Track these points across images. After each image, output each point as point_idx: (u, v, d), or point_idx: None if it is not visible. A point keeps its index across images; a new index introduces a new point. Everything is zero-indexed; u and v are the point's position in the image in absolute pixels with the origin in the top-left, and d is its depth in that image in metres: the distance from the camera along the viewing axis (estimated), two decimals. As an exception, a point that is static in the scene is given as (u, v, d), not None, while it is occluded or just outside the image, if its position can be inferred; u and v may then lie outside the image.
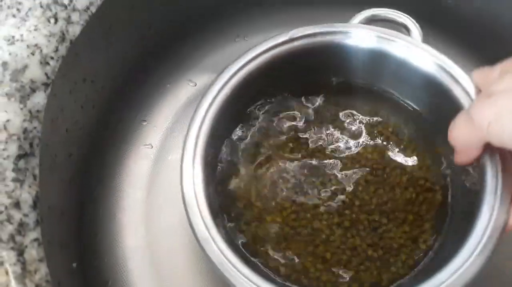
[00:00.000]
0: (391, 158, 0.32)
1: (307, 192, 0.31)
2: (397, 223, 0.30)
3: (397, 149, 0.32)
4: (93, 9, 0.28)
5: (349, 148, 0.32)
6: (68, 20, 0.27)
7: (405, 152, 0.32)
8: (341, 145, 0.32)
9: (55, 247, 0.26)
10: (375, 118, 0.33)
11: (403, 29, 0.31)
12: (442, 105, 0.29)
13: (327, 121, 0.33)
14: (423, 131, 0.32)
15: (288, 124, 0.33)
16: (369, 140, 0.32)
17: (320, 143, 0.32)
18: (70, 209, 0.31)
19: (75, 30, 0.27)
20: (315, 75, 0.32)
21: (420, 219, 0.30)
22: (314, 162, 0.32)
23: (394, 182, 0.31)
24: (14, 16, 0.26)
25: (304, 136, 0.32)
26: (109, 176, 0.36)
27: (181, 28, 0.39)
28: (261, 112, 0.33)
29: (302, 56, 0.30)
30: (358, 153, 0.32)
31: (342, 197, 0.31)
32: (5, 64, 0.24)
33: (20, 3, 0.26)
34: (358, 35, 0.30)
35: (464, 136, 0.23)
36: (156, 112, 0.40)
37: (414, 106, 0.32)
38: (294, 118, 0.33)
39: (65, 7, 0.27)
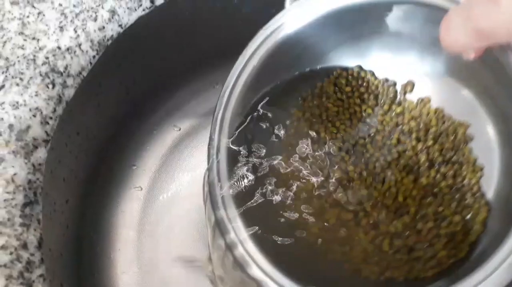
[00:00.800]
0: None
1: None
2: None
3: None
4: (84, 73, 0.33)
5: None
6: (64, 85, 0.31)
7: None
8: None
9: (57, 284, 0.29)
10: None
11: None
12: None
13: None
14: None
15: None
16: None
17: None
18: (68, 250, 0.34)
19: (70, 93, 0.32)
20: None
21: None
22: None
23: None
24: (17, 84, 0.30)
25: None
26: (103, 218, 0.39)
27: (164, 80, 0.44)
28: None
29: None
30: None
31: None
32: (11, 126, 0.29)
33: (22, 73, 0.31)
34: None
35: (461, 41, 0.20)
36: (145, 156, 0.44)
37: None
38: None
39: (61, 74, 0.31)
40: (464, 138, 0.28)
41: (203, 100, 0.47)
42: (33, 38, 0.32)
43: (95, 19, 0.33)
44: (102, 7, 0.34)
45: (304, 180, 0.28)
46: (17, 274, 0.25)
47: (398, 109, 0.30)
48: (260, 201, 0.27)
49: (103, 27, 0.34)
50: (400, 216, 0.27)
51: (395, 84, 0.30)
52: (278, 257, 0.24)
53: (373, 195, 0.27)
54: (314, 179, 0.28)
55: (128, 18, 0.35)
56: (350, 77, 0.31)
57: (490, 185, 0.27)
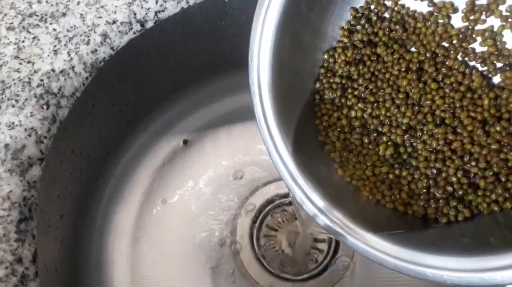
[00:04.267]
0: None
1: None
2: None
3: None
4: (78, 94, 0.34)
5: None
6: (58, 105, 0.33)
7: None
8: None
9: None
10: None
11: None
12: None
13: None
14: None
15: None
16: None
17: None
18: (63, 265, 0.35)
19: (64, 113, 0.33)
20: None
21: None
22: None
23: None
24: (13, 106, 0.32)
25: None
26: (97, 233, 0.40)
27: (155, 99, 0.46)
28: None
29: None
30: None
31: None
32: (7, 145, 0.30)
33: (18, 95, 0.32)
34: None
35: None
36: (137, 172, 0.45)
37: None
38: None
39: (55, 95, 0.33)
40: None
41: (194, 118, 0.48)
42: (28, 62, 0.33)
43: (88, 43, 0.35)
44: (94, 31, 0.36)
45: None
46: (12, 288, 0.26)
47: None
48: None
49: (96, 50, 0.35)
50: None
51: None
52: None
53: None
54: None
55: (120, 41, 0.37)
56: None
57: None
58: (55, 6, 0.36)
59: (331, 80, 0.28)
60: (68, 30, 0.35)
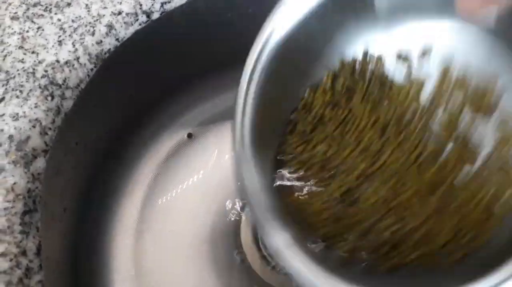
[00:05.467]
0: None
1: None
2: None
3: None
4: (82, 85, 0.34)
5: None
6: (63, 97, 0.33)
7: None
8: None
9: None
10: None
11: None
12: None
13: None
14: None
15: None
16: None
17: None
18: (66, 258, 0.35)
19: (68, 104, 0.33)
20: None
21: None
22: None
23: None
24: (17, 97, 0.31)
25: None
26: (100, 226, 0.40)
27: (160, 91, 0.45)
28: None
29: None
30: None
31: None
32: (11, 137, 0.30)
33: (22, 86, 0.32)
34: None
35: None
36: (142, 166, 0.44)
37: None
38: None
39: (60, 86, 0.32)
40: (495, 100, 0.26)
41: (199, 111, 0.48)
42: (33, 52, 0.33)
43: (93, 34, 0.35)
44: (100, 22, 0.35)
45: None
46: (16, 280, 0.25)
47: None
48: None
49: (101, 41, 0.35)
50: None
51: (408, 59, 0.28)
52: None
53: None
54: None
55: (125, 32, 0.36)
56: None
57: None
58: (60, -5, 0.36)
59: (306, 115, 0.28)
60: (73, 21, 0.35)
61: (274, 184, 0.27)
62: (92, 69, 0.34)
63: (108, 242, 0.40)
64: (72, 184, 0.36)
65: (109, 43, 0.35)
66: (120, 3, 0.36)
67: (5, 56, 0.33)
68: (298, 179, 0.27)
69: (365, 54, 0.29)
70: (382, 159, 0.27)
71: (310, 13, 0.26)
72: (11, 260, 0.26)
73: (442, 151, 0.26)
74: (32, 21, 0.35)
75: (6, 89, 0.31)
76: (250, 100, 0.26)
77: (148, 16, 0.37)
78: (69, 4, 0.35)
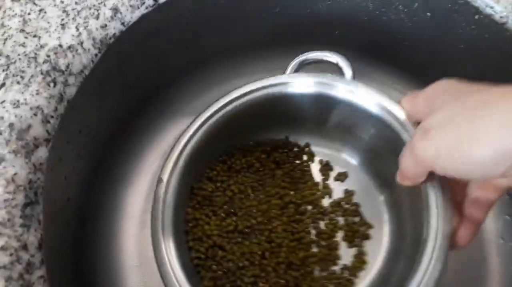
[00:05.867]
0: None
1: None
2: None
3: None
4: (86, 72, 0.32)
5: None
6: (65, 83, 0.31)
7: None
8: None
9: (58, 285, 0.29)
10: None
11: (337, 67, 0.34)
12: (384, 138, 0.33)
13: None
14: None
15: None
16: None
17: None
18: (69, 250, 0.34)
19: (71, 91, 0.32)
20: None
21: None
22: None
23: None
24: (18, 83, 0.30)
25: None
26: (104, 217, 0.39)
27: (167, 78, 0.44)
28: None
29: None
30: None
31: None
32: (11, 125, 0.28)
33: (23, 71, 0.30)
34: (298, 83, 0.34)
35: (412, 169, 0.27)
36: (146, 154, 0.43)
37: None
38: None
39: (63, 72, 0.31)
40: (364, 235, 0.36)
41: (205, 98, 0.46)
42: (35, 36, 0.32)
43: (97, 17, 0.33)
44: (104, 5, 0.33)
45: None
46: (17, 276, 0.25)
47: (324, 192, 0.37)
48: None
49: (106, 25, 0.33)
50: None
51: (331, 169, 0.38)
52: None
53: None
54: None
55: (131, 16, 0.34)
56: (289, 152, 0.38)
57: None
58: (63, -24, 0.34)
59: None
60: (76, 3, 0.33)
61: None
62: (96, 55, 0.33)
63: (113, 232, 0.40)
64: (76, 174, 0.35)
65: (114, 28, 0.34)
66: (126, -15, 0.34)
67: (6, 39, 0.31)
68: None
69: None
70: (272, 225, 0.35)
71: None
72: (11, 254, 0.25)
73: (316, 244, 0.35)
74: (34, 3, 0.33)
75: (6, 74, 0.30)
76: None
77: (155, -1, 0.35)
78: (72, -15, 0.34)
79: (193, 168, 0.33)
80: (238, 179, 0.36)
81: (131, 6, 0.34)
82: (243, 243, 0.34)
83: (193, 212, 0.33)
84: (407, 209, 0.33)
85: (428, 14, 0.41)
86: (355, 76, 0.34)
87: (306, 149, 0.39)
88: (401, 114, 0.31)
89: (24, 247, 0.26)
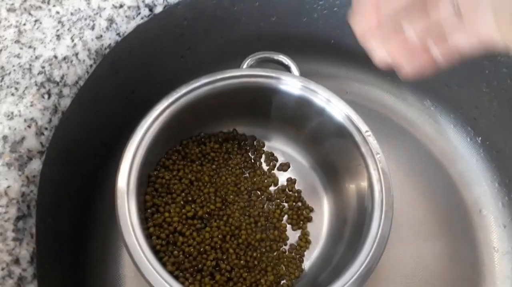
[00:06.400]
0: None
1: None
2: None
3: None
4: (81, 82, 0.32)
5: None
6: (60, 95, 0.31)
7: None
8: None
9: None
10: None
11: (284, 67, 0.38)
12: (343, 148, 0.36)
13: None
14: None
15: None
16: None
17: None
18: (63, 262, 0.33)
19: (66, 103, 0.31)
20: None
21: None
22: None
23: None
24: (12, 94, 0.30)
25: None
26: (99, 228, 0.39)
27: (162, 87, 0.44)
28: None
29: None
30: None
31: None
32: (5, 137, 0.28)
33: (17, 83, 0.30)
34: (250, 77, 0.36)
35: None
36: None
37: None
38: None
39: (57, 83, 0.31)
40: (307, 218, 0.39)
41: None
42: (30, 47, 0.31)
43: (93, 28, 0.33)
44: (100, 16, 0.33)
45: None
46: (8, 291, 0.24)
47: (270, 180, 0.40)
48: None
49: (101, 36, 0.33)
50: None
51: (276, 159, 0.41)
52: None
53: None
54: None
55: (126, 27, 0.34)
56: (243, 143, 0.41)
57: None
58: (59, -14, 0.34)
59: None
60: (72, 14, 0.33)
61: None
62: (91, 65, 0.33)
63: (107, 242, 0.39)
64: (70, 185, 0.35)
65: (110, 38, 0.34)
66: (122, -5, 0.34)
67: (1, 50, 0.31)
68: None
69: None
70: (230, 209, 0.37)
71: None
72: (3, 269, 0.25)
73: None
74: (30, 14, 0.33)
75: (1, 86, 0.30)
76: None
77: (150, 9, 0.35)
78: (68, -4, 0.34)
79: (150, 158, 0.34)
80: (193, 168, 0.38)
81: (126, 16, 0.34)
82: (204, 229, 0.35)
83: (151, 200, 0.35)
84: (347, 193, 0.37)
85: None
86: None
87: (255, 141, 0.41)
88: (344, 106, 0.35)
89: (16, 261, 0.25)
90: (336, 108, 0.35)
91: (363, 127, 0.34)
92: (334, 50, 0.47)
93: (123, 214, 0.30)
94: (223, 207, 0.37)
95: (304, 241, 0.38)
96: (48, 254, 0.30)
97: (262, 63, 0.39)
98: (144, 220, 0.33)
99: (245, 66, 0.39)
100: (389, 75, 0.47)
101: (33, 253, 0.26)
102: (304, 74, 0.39)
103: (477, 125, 0.43)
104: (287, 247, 0.37)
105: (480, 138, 0.44)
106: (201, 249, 0.34)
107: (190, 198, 0.36)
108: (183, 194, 0.36)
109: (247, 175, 0.40)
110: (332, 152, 0.38)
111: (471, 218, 0.42)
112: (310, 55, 0.48)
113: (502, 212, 0.42)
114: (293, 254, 0.37)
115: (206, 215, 0.36)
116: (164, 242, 0.33)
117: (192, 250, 0.34)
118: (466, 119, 0.44)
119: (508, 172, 0.42)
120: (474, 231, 0.42)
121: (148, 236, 0.33)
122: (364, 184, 0.34)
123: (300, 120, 0.39)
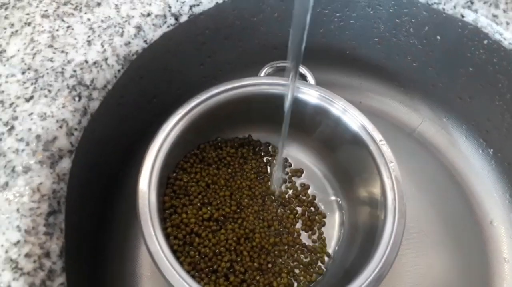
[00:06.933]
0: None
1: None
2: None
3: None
4: (109, 86, 0.34)
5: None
6: (89, 97, 0.33)
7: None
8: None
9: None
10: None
11: (301, 76, 0.39)
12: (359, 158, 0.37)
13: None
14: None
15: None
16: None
17: None
18: (89, 258, 0.35)
19: (94, 105, 0.33)
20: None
21: None
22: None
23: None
24: (46, 96, 0.31)
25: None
26: (124, 227, 0.40)
27: (185, 92, 0.45)
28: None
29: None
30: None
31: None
32: (38, 136, 0.30)
33: (50, 85, 0.32)
34: (268, 85, 0.38)
35: None
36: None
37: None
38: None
39: (87, 87, 0.32)
40: (321, 222, 0.40)
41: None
42: (62, 51, 0.33)
43: (122, 35, 0.34)
44: (129, 23, 0.35)
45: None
46: (39, 282, 0.26)
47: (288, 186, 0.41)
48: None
49: (129, 42, 0.35)
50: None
51: (290, 165, 0.42)
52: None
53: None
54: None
55: (153, 34, 0.36)
56: (257, 148, 0.42)
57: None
58: (90, -5, 0.36)
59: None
60: (102, 21, 0.35)
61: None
62: (119, 70, 0.34)
63: (133, 242, 0.40)
64: (97, 183, 0.36)
65: (137, 45, 0.35)
66: (150, 4, 0.36)
67: (35, 54, 0.33)
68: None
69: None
70: (245, 213, 0.38)
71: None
72: (34, 261, 0.26)
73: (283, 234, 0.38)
74: (62, 20, 0.35)
75: (35, 87, 0.31)
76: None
77: (176, 18, 0.37)
78: (99, 4, 0.35)
79: (170, 160, 0.35)
80: (210, 171, 0.39)
81: (153, 25, 0.36)
82: (219, 231, 0.36)
83: (170, 201, 0.36)
84: (359, 200, 0.38)
85: (438, 37, 0.42)
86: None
87: (269, 147, 0.42)
88: (359, 115, 0.36)
89: (47, 254, 0.27)
90: (352, 117, 0.36)
91: (378, 136, 0.35)
92: (349, 61, 0.48)
93: (144, 213, 0.31)
94: (238, 210, 0.38)
95: (321, 246, 0.38)
96: (72, 250, 0.31)
97: (279, 71, 0.40)
98: (163, 220, 0.35)
99: (262, 74, 0.40)
100: (402, 86, 0.48)
101: (62, 247, 0.28)
102: (319, 83, 0.40)
103: (489, 137, 0.44)
104: (300, 252, 0.38)
105: (492, 150, 0.44)
106: (216, 251, 0.35)
107: (206, 201, 0.37)
108: (199, 196, 0.37)
109: (262, 180, 0.41)
110: (346, 160, 0.39)
111: (481, 229, 0.43)
112: (326, 65, 0.49)
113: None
114: (308, 259, 0.38)
115: (222, 218, 0.37)
116: (181, 242, 0.34)
117: (207, 251, 0.35)
118: (478, 131, 0.45)
119: (519, 184, 0.43)
120: (485, 242, 0.42)
121: (166, 236, 0.34)
122: (377, 191, 0.35)
123: (315, 128, 0.40)
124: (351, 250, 0.37)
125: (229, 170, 0.40)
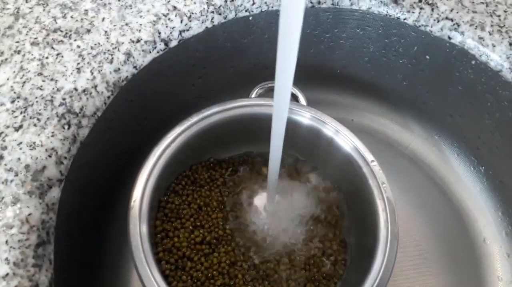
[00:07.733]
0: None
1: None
2: None
3: None
4: (99, 113, 0.34)
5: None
6: (79, 125, 0.33)
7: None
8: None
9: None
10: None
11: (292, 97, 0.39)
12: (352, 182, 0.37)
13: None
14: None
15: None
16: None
17: None
18: (77, 284, 0.34)
19: (84, 132, 0.33)
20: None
21: None
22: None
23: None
24: (35, 125, 0.31)
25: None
26: (116, 253, 0.40)
27: (175, 115, 0.45)
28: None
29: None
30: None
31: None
32: (27, 166, 0.30)
33: (40, 114, 0.32)
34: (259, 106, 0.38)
35: None
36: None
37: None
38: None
39: (77, 114, 0.33)
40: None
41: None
42: (51, 79, 0.33)
43: (111, 61, 0.35)
44: (118, 50, 0.35)
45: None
46: (28, 316, 0.25)
47: None
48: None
49: (119, 69, 0.35)
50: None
51: None
52: None
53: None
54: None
55: (143, 60, 0.36)
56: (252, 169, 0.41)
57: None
58: (80, 22, 0.36)
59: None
60: (92, 48, 0.35)
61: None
62: (109, 97, 0.34)
63: (126, 268, 0.40)
64: (87, 210, 0.36)
65: (127, 71, 0.35)
66: (139, 30, 0.36)
67: (24, 82, 0.33)
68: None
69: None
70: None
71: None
72: (23, 295, 0.26)
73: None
74: (52, 47, 0.35)
75: (24, 116, 0.31)
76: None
77: (166, 44, 0.37)
78: (88, 31, 0.36)
79: (161, 183, 0.35)
80: (202, 193, 0.38)
81: (143, 50, 0.36)
82: (211, 254, 0.36)
83: (161, 225, 0.35)
84: (352, 221, 0.38)
85: (427, 57, 0.43)
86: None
87: (263, 168, 0.42)
88: (351, 136, 0.37)
89: (36, 287, 0.26)
90: (344, 139, 0.37)
91: (369, 156, 0.36)
92: (340, 80, 0.49)
93: (135, 240, 0.31)
94: (230, 232, 0.38)
95: (334, 270, 0.37)
96: (62, 280, 0.31)
97: (270, 92, 0.40)
98: (154, 245, 0.34)
99: (253, 95, 0.40)
100: (394, 104, 0.49)
101: (51, 279, 0.27)
102: (310, 102, 0.40)
103: (480, 155, 0.44)
104: (307, 272, 0.37)
105: (483, 167, 0.45)
106: (209, 275, 0.35)
107: (198, 223, 0.37)
108: (191, 219, 0.37)
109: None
110: (339, 180, 0.40)
111: (475, 247, 0.43)
112: (317, 84, 0.49)
113: (506, 241, 0.43)
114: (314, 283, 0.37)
115: (214, 241, 0.37)
116: (173, 267, 0.34)
117: (200, 275, 0.35)
118: (470, 149, 0.45)
119: (511, 202, 0.43)
120: (478, 260, 0.42)
121: (158, 261, 0.34)
122: (370, 212, 0.35)
123: (308, 149, 0.40)
124: (346, 271, 0.37)
125: (222, 192, 0.40)
